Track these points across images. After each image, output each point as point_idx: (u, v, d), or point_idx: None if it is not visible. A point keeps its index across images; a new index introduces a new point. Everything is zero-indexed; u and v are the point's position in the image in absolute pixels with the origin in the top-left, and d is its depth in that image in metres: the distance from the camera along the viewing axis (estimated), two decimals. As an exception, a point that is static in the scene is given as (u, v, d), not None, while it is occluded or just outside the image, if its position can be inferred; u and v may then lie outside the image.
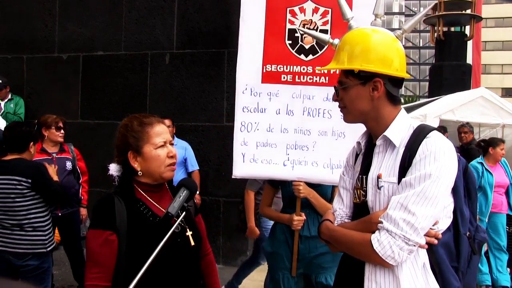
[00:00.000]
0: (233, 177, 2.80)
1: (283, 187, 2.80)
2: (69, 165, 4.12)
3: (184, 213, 1.56)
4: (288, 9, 2.73)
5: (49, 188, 3.19)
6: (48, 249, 3.18)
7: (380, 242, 1.42)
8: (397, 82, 1.57)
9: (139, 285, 1.33)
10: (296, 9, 2.73)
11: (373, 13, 1.68)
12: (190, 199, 1.59)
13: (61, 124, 4.07)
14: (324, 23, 2.71)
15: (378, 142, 1.56)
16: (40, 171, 3.18)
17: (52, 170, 3.49)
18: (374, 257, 1.44)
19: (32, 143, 3.21)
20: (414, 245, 1.41)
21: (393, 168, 1.50)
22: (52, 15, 5.65)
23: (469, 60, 14.20)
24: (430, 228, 1.45)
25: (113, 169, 1.71)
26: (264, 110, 2.74)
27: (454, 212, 1.53)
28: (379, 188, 1.51)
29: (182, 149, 4.81)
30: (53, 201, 3.33)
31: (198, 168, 4.89)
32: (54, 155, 4.07)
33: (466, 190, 1.58)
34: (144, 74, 5.36)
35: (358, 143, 1.69)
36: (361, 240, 1.48)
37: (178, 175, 4.68)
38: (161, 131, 1.69)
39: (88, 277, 1.55)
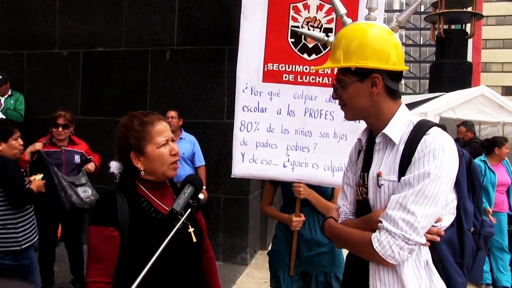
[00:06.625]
0: (232, 176, 2.77)
1: (283, 185, 2.78)
2: (77, 158, 4.12)
3: (189, 210, 1.53)
4: (291, 5, 2.64)
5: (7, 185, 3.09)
6: (23, 246, 3.13)
7: (380, 241, 1.41)
8: (396, 76, 1.53)
9: (141, 282, 1.33)
10: (299, 5, 2.64)
11: (366, 7, 1.63)
12: (195, 196, 1.58)
13: (58, 122, 4.04)
14: (329, 21, 2.62)
15: (378, 139, 1.55)
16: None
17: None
18: (374, 256, 1.43)
19: None
20: (415, 244, 1.40)
21: (393, 166, 1.48)
22: (53, 11, 5.62)
23: (469, 58, 14.17)
24: (432, 226, 1.43)
25: (114, 166, 1.69)
26: (265, 109, 2.68)
27: (457, 208, 1.51)
28: (379, 186, 1.50)
29: (190, 143, 4.81)
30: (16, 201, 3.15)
31: (204, 163, 4.90)
32: (63, 147, 4.08)
33: (470, 184, 1.55)
34: (144, 71, 5.35)
35: (359, 139, 1.68)
36: (362, 239, 1.48)
37: (187, 170, 4.69)
38: (162, 129, 1.66)
39: (90, 274, 1.54)
